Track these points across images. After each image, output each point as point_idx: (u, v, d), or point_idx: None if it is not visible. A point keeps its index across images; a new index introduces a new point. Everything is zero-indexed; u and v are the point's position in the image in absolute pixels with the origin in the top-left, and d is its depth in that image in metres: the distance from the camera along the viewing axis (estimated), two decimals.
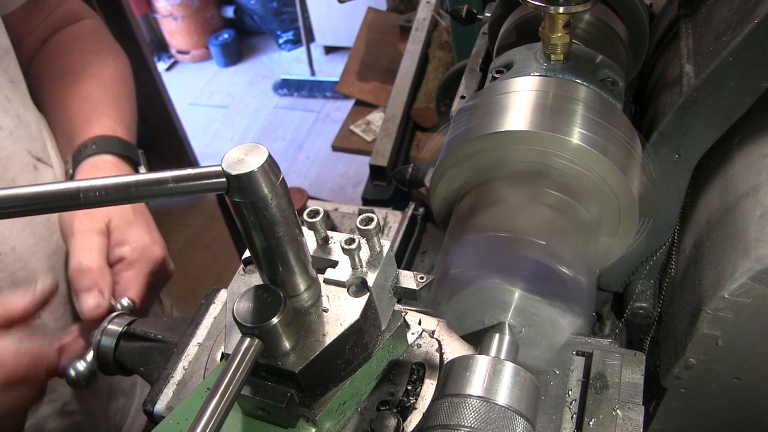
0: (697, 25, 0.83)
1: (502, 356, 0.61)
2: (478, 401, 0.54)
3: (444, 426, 0.54)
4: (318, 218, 0.60)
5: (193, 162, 3.13)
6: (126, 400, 1.35)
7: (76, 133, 1.12)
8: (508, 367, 0.57)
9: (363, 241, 0.59)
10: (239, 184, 0.47)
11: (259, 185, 0.47)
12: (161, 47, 5.55)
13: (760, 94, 0.66)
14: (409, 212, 1.31)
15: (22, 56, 1.10)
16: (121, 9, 2.62)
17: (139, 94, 1.31)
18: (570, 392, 0.67)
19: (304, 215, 0.60)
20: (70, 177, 1.08)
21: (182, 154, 3.07)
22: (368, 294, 0.58)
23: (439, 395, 0.58)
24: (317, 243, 0.62)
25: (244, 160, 0.47)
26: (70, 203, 0.44)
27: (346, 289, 0.59)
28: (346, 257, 0.60)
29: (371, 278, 0.59)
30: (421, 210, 1.33)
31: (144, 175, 0.45)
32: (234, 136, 4.72)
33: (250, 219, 0.50)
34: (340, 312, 0.58)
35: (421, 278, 0.63)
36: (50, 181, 1.08)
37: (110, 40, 1.32)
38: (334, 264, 0.61)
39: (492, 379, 0.56)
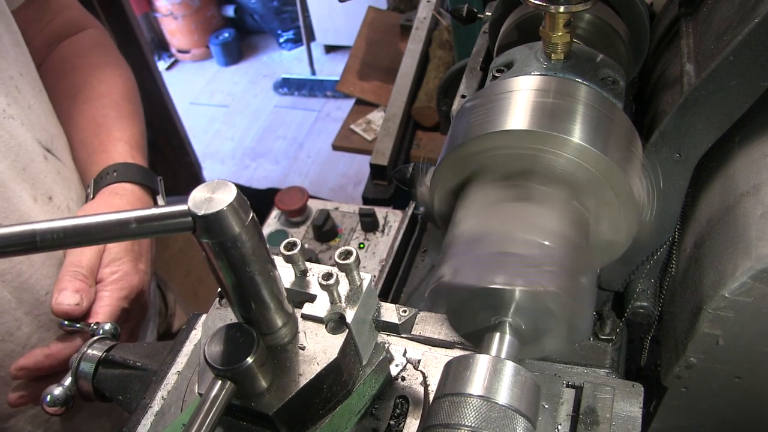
0: (697, 24, 0.83)
1: (503, 355, 0.61)
2: (478, 400, 0.54)
3: (444, 425, 0.54)
4: (296, 250, 0.57)
5: (193, 161, 3.13)
6: None
7: (93, 158, 1.13)
8: (509, 366, 0.57)
9: (342, 275, 0.57)
10: (206, 225, 0.44)
11: (227, 224, 0.45)
12: (162, 46, 5.55)
13: (760, 94, 0.66)
14: (410, 211, 1.31)
15: None
16: (121, 8, 2.62)
17: (140, 93, 1.31)
18: (559, 427, 0.64)
19: (281, 248, 0.57)
20: (91, 200, 1.10)
21: (183, 154, 3.07)
22: (347, 331, 0.56)
23: (439, 394, 0.58)
24: (295, 275, 0.60)
25: (212, 198, 0.44)
26: (27, 247, 0.42)
27: (324, 326, 0.57)
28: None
29: (350, 314, 0.56)
30: (422, 209, 1.33)
31: (105, 217, 0.44)
32: (235, 135, 4.72)
33: (219, 259, 0.47)
34: (317, 350, 0.56)
35: (404, 312, 0.61)
36: (58, 172, 1.10)
37: (115, 53, 1.32)
38: (312, 298, 0.58)
39: (492, 378, 0.56)
